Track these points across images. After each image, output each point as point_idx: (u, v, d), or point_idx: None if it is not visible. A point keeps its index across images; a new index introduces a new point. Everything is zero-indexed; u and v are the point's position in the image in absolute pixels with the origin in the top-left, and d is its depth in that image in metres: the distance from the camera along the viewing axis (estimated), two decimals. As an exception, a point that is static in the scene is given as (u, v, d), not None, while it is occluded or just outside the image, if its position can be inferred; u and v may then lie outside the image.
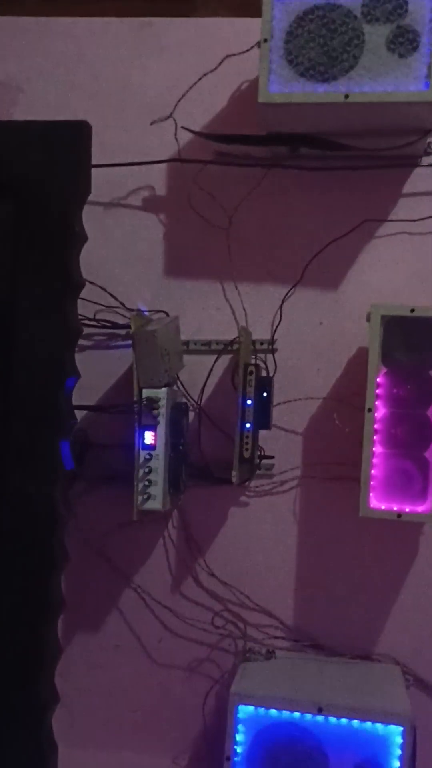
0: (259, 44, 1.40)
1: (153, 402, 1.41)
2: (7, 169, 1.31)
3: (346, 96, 1.36)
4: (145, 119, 1.61)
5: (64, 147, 1.30)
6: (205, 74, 1.58)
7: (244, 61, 1.52)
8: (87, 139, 1.32)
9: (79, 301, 1.36)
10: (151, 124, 1.60)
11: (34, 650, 1.30)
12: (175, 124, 1.60)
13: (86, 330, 1.58)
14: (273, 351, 1.60)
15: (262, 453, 1.58)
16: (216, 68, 1.56)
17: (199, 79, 1.58)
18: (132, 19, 1.67)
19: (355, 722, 1.34)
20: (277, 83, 1.38)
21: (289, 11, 1.38)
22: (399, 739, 1.33)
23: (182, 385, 1.60)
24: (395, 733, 1.33)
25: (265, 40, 1.39)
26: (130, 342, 1.45)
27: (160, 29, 1.66)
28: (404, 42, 1.35)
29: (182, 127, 1.59)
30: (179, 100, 1.60)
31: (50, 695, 1.34)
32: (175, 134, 1.60)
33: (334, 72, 1.37)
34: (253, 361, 1.56)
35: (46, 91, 1.69)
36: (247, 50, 1.51)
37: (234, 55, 1.54)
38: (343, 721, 1.35)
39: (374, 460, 1.40)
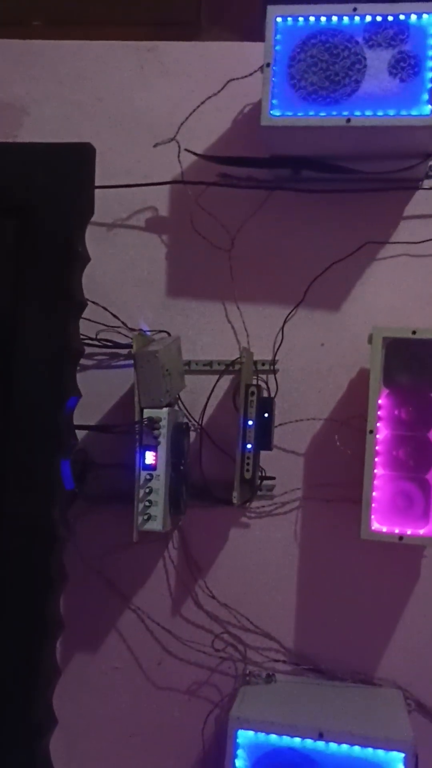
0: (262, 68, 1.41)
1: (154, 422, 1.41)
2: (11, 190, 1.32)
3: (348, 120, 1.37)
4: (148, 141, 1.63)
5: (67, 169, 1.31)
6: (208, 97, 1.59)
7: (247, 84, 1.54)
8: (91, 161, 1.33)
9: (81, 320, 1.37)
10: (155, 146, 1.61)
11: (31, 672, 1.29)
12: (179, 146, 1.61)
13: (88, 350, 1.58)
14: (274, 372, 1.60)
15: (263, 474, 1.58)
16: (219, 91, 1.58)
17: (203, 102, 1.60)
18: (137, 42, 1.69)
19: (356, 748, 1.33)
20: (280, 107, 1.40)
21: (292, 36, 1.40)
22: (400, 766, 1.31)
23: (183, 406, 1.60)
24: (396, 760, 1.31)
25: (268, 65, 1.40)
26: (131, 362, 1.45)
27: (164, 53, 1.68)
28: (405, 67, 1.36)
29: (185, 150, 1.60)
30: (182, 123, 1.61)
31: (48, 718, 1.33)
32: (178, 156, 1.61)
33: (336, 96, 1.38)
34: (254, 382, 1.56)
35: (51, 114, 1.70)
36: (250, 74, 1.53)
37: (237, 78, 1.56)
38: (344, 747, 1.33)
39: (376, 482, 1.39)
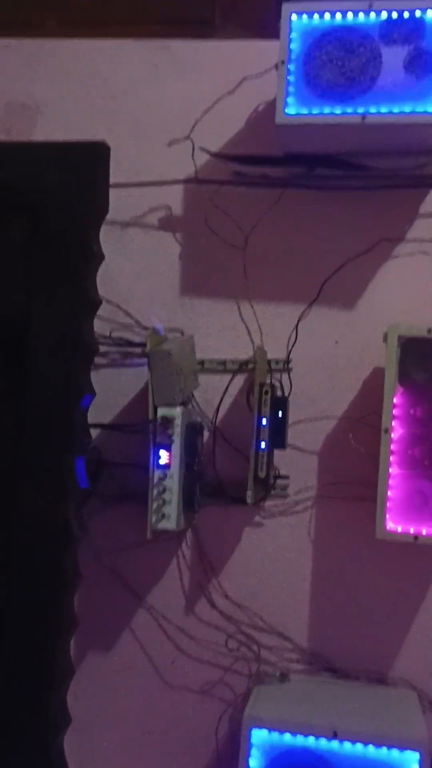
0: (276, 66, 1.41)
1: (168, 421, 1.41)
2: (27, 189, 1.33)
3: (364, 117, 1.37)
4: (163, 140, 1.63)
5: (83, 167, 1.32)
6: (222, 96, 1.59)
7: (262, 82, 1.54)
8: (105, 159, 1.34)
9: (95, 319, 1.37)
10: (169, 144, 1.61)
11: (45, 670, 1.29)
12: (193, 144, 1.61)
13: (102, 348, 1.58)
14: (288, 370, 1.59)
15: (277, 473, 1.58)
16: (234, 90, 1.58)
17: (217, 101, 1.60)
18: (150, 41, 1.69)
19: (371, 748, 1.32)
20: (295, 104, 1.39)
21: (307, 34, 1.39)
22: (415, 766, 1.30)
23: (197, 404, 1.60)
24: (412, 760, 1.31)
25: (283, 62, 1.40)
26: (145, 360, 1.45)
27: (178, 51, 1.68)
28: (421, 63, 1.36)
29: (200, 148, 1.60)
30: (197, 122, 1.61)
31: (62, 716, 1.33)
32: (193, 155, 1.61)
33: (351, 93, 1.37)
34: (268, 381, 1.56)
35: (66, 113, 1.71)
36: (265, 72, 1.53)
37: (252, 76, 1.55)
38: (359, 746, 1.32)
39: (391, 481, 1.38)
